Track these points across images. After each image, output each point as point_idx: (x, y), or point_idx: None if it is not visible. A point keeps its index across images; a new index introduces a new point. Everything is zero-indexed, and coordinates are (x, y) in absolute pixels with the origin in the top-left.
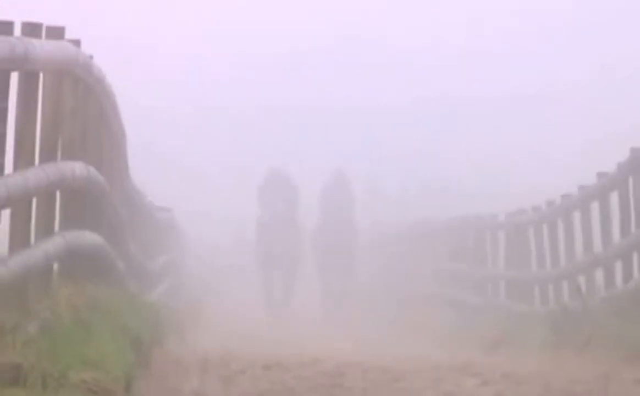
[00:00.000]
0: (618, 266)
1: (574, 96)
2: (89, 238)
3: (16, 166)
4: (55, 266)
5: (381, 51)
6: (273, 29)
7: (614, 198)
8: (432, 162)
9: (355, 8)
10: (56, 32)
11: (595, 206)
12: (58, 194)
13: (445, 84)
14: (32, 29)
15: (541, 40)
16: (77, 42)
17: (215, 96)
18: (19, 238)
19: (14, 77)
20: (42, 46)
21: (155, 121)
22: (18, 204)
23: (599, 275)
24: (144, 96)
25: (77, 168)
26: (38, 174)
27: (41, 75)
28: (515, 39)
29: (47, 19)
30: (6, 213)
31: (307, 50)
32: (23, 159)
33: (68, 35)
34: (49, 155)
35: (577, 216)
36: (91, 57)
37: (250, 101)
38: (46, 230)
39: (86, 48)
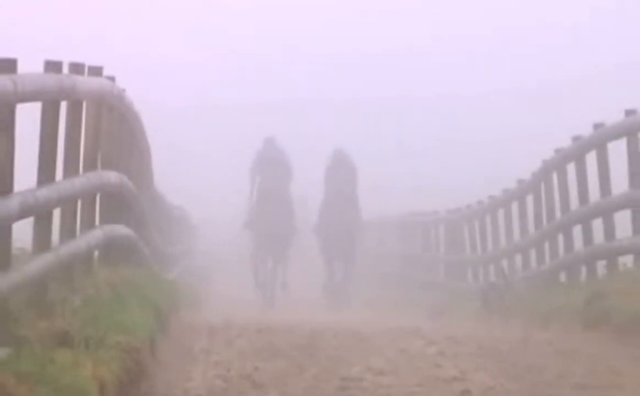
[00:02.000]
0: (532, 253)
1: (572, 95)
2: (122, 230)
3: (65, 175)
4: (96, 252)
5: (387, 52)
6: (285, 32)
7: (530, 199)
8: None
9: (361, 9)
10: (96, 70)
11: (515, 206)
12: (98, 196)
13: (446, 83)
14: (77, 68)
15: (541, 39)
16: (112, 78)
17: (217, 96)
18: (67, 231)
19: (63, 105)
20: (84, 81)
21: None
22: (67, 204)
23: (518, 259)
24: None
25: (112, 176)
26: (82, 181)
27: (84, 104)
28: (514, 38)
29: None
30: (57, 211)
31: (311, 52)
32: (70, 169)
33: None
34: (90, 166)
35: (501, 212)
36: (124, 90)
37: (252, 99)
38: (88, 225)
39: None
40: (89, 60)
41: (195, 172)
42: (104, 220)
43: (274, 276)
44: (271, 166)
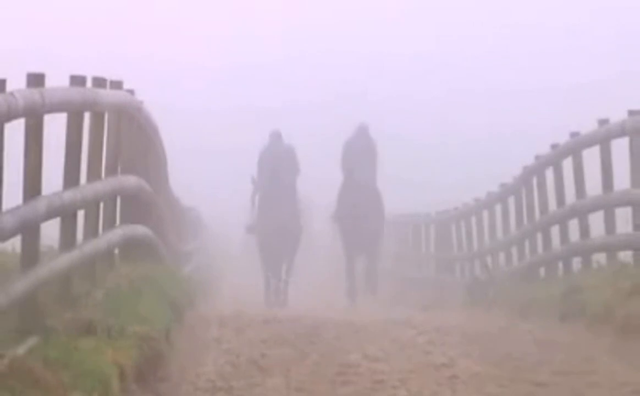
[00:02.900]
0: (514, 250)
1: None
2: (140, 230)
3: (88, 179)
4: (116, 250)
5: (392, 54)
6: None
7: (512, 201)
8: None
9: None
10: (116, 84)
11: (498, 207)
12: (118, 199)
13: (449, 83)
14: (99, 82)
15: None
16: (131, 91)
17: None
18: (90, 230)
19: (87, 116)
20: (106, 94)
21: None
22: (90, 206)
23: (501, 256)
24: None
25: (132, 180)
26: (104, 184)
27: (106, 115)
28: (515, 40)
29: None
30: (81, 212)
31: (323, 53)
32: (93, 173)
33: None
34: (111, 171)
35: (485, 213)
36: (142, 102)
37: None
38: (110, 224)
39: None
40: (100, 69)
41: (204, 171)
42: (124, 220)
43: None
44: (277, 162)
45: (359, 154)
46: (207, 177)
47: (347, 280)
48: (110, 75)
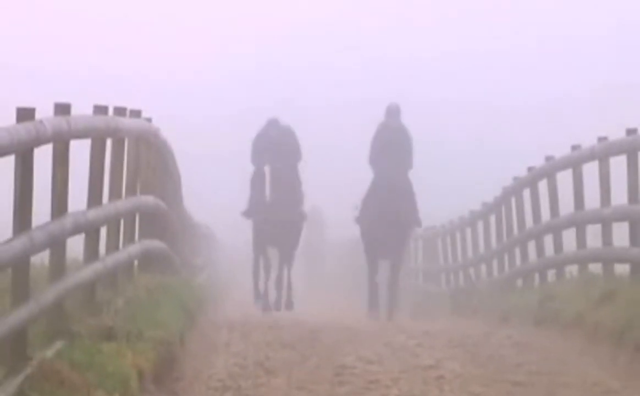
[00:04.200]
0: (495, 263)
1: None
2: (157, 244)
3: (110, 198)
4: (135, 262)
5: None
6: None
7: (492, 219)
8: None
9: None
10: (135, 113)
11: (480, 224)
12: (137, 216)
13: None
14: (120, 111)
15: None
16: (149, 119)
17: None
18: (112, 244)
19: (108, 142)
20: (127, 122)
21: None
22: (112, 222)
23: (483, 268)
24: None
25: (149, 200)
26: (124, 203)
27: (126, 140)
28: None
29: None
30: (103, 228)
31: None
32: (115, 194)
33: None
34: (131, 191)
35: (469, 230)
36: (158, 128)
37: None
38: (130, 239)
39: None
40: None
41: (210, 178)
42: (142, 236)
43: (279, 281)
44: (275, 147)
45: (388, 143)
46: (206, 183)
47: (369, 291)
48: (107, 87)
